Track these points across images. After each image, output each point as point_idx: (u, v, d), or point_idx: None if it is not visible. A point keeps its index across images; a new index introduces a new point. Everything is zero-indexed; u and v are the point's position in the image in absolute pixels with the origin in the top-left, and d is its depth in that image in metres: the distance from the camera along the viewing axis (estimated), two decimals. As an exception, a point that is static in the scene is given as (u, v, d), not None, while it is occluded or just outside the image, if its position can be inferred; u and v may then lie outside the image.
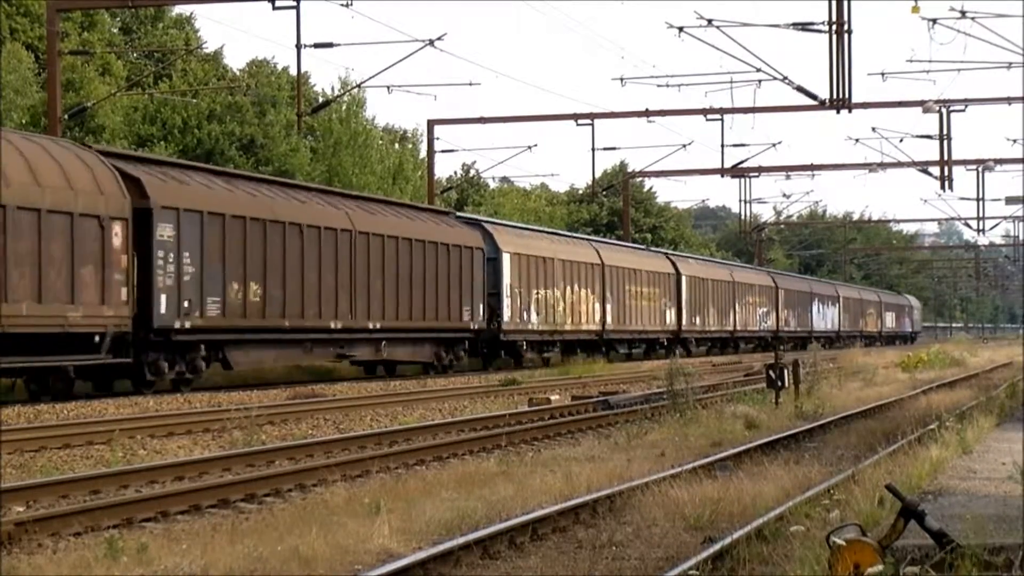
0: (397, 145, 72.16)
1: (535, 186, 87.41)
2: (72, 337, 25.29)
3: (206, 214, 29.19)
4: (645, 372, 39.51)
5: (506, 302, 42.68)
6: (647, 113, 50.78)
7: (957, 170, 59.44)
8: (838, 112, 40.72)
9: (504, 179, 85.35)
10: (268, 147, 58.10)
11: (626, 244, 60.98)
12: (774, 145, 59.66)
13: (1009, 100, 48.37)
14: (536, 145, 71.50)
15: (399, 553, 10.29)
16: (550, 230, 55.37)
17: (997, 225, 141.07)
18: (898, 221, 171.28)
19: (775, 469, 14.86)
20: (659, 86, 47.62)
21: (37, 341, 24.76)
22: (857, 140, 58.15)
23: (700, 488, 13.18)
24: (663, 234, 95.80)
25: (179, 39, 58.08)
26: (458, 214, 44.14)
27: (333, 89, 64.18)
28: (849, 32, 38.41)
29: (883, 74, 46.03)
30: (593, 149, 54.89)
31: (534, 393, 29.71)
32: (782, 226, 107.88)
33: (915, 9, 35.56)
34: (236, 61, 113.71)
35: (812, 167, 64.04)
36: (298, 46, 36.91)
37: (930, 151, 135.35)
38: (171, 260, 27.99)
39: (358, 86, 55.89)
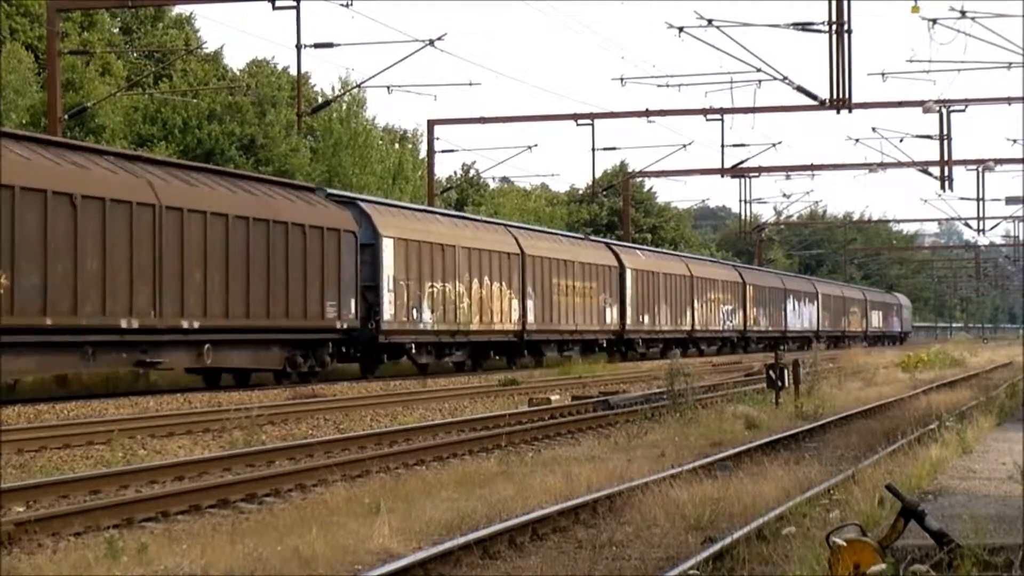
0: (397, 145, 72.17)
1: (535, 186, 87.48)
2: None
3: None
4: (645, 372, 39.52)
5: (387, 297, 35.76)
6: (647, 113, 50.80)
7: (957, 170, 59.56)
8: (838, 112, 40.75)
9: (504, 179, 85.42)
10: (268, 147, 58.12)
11: (558, 232, 54.86)
12: (774, 145, 59.76)
13: (1009, 100, 48.41)
14: (536, 145, 71.60)
15: (399, 553, 10.29)
16: (455, 213, 47.44)
17: (997, 225, 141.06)
18: (898, 221, 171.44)
19: (775, 469, 14.86)
20: (659, 86, 47.70)
21: None
22: (857, 140, 58.24)
23: (700, 488, 13.18)
24: (663, 234, 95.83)
25: (179, 39, 58.09)
26: (330, 191, 37.07)
27: (333, 89, 64.25)
28: (849, 32, 38.44)
29: (883, 74, 46.08)
30: (593, 149, 54.96)
31: (534, 393, 29.72)
32: (782, 226, 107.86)
33: (915, 9, 35.58)
34: (236, 61, 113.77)
35: (812, 167, 64.08)
36: (298, 46, 36.94)
37: (930, 151, 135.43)
38: None
39: (358, 86, 55.96)
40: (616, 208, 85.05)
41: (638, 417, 22.36)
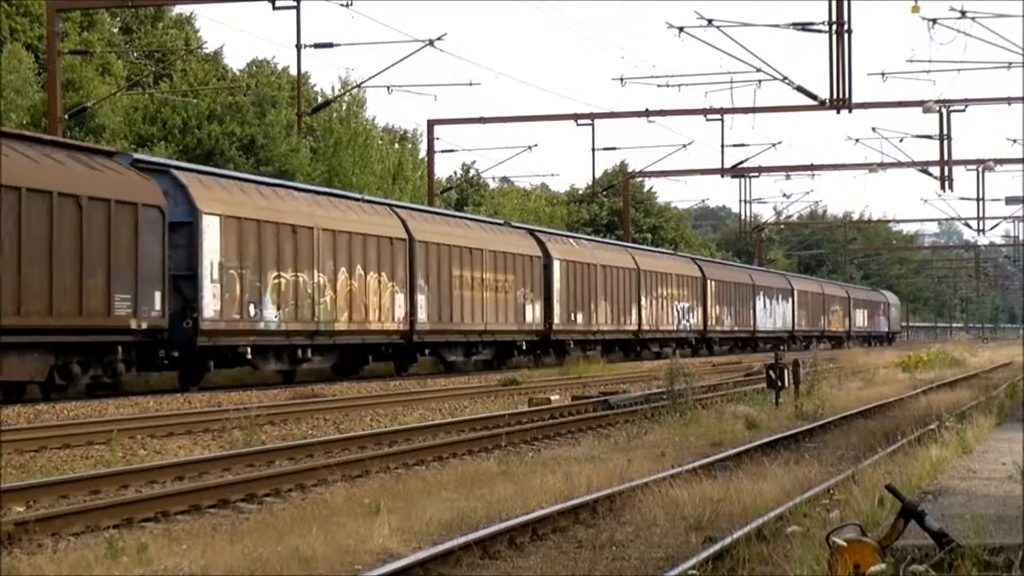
0: (397, 145, 72.19)
1: (535, 186, 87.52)
2: None
3: None
4: (645, 372, 39.53)
5: (210, 289, 29.07)
6: (647, 113, 50.82)
7: (957, 170, 59.52)
8: (838, 112, 40.77)
9: (504, 179, 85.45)
10: (268, 147, 58.13)
11: (466, 216, 47.51)
12: (774, 145, 59.81)
13: (1009, 100, 48.44)
14: (536, 145, 71.66)
15: (399, 553, 10.29)
16: (321, 189, 38.57)
17: (997, 225, 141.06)
18: (898, 221, 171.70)
19: (775, 469, 14.86)
20: (659, 86, 47.72)
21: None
22: (857, 140, 58.27)
23: (700, 488, 13.18)
24: (663, 234, 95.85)
25: (179, 39, 58.10)
26: (138, 156, 30.63)
27: (333, 89, 64.27)
28: (849, 32, 38.45)
29: (883, 74, 46.10)
30: (593, 149, 55.02)
31: (534, 393, 29.72)
32: (782, 226, 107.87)
33: (915, 9, 35.59)
34: (236, 61, 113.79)
35: (812, 167, 64.11)
36: (298, 46, 36.96)
37: (930, 151, 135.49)
38: None
39: (358, 86, 56.02)
40: (616, 208, 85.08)
41: (638, 417, 22.36)
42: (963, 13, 37.58)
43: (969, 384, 34.06)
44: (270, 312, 31.09)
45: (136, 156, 30.79)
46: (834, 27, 38.35)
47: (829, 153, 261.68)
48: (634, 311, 53.56)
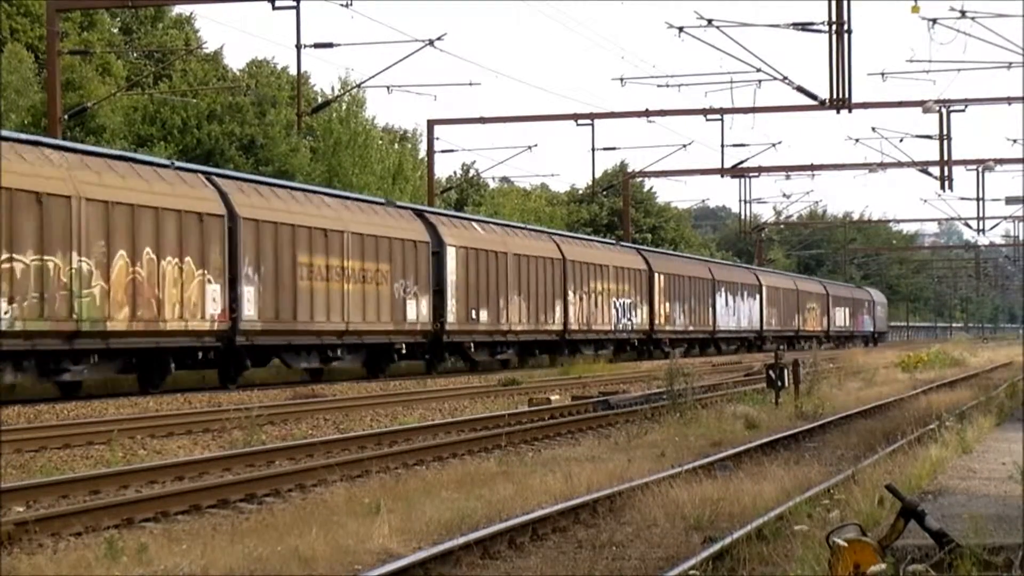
0: (397, 145, 72.18)
1: (535, 186, 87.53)
2: None
3: None
4: (645, 372, 39.52)
5: None
6: (647, 113, 50.83)
7: (957, 170, 59.58)
8: (838, 112, 40.77)
9: (504, 179, 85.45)
10: (268, 147, 58.13)
11: (324, 191, 38.25)
12: (774, 145, 59.81)
13: (1009, 100, 48.43)
14: (536, 145, 71.61)
15: (399, 553, 10.29)
16: (87, 148, 29.82)
17: (997, 225, 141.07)
18: (898, 221, 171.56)
19: (775, 469, 14.86)
20: (659, 86, 47.74)
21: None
22: (857, 140, 58.27)
23: (700, 488, 13.18)
24: (663, 234, 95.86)
25: (179, 39, 58.11)
26: None
27: (333, 89, 64.24)
28: (849, 32, 38.46)
29: (883, 74, 46.11)
30: (593, 149, 54.99)
31: (534, 393, 29.72)
32: (782, 226, 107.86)
33: (915, 9, 35.59)
34: (236, 61, 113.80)
35: (812, 167, 64.12)
36: (298, 46, 36.95)
37: (930, 151, 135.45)
38: None
39: (358, 86, 55.97)
40: (616, 208, 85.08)
41: (638, 417, 22.37)
42: (963, 13, 37.58)
43: (969, 384, 34.05)
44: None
45: None
46: (834, 27, 38.35)
47: (829, 153, 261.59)
48: (559, 308, 46.73)
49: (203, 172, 31.64)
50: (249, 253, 30.88)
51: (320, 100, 58.06)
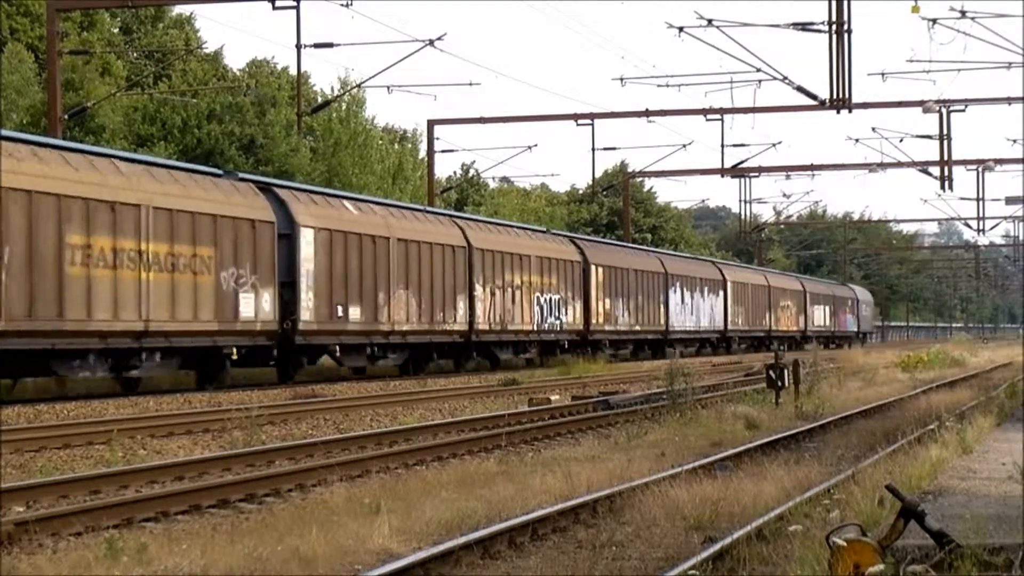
0: (397, 145, 72.18)
1: (535, 186, 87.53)
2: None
3: None
4: (645, 372, 39.52)
5: None
6: (647, 113, 50.84)
7: (957, 170, 59.58)
8: (838, 112, 40.78)
9: (504, 179, 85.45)
10: (268, 147, 58.10)
11: (116, 154, 29.65)
12: (774, 145, 59.87)
13: (1009, 100, 48.43)
14: (536, 145, 71.61)
15: (399, 553, 10.29)
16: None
17: (997, 225, 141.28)
18: (898, 221, 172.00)
19: (775, 469, 14.85)
20: (659, 86, 47.81)
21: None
22: (857, 140, 58.31)
23: (700, 488, 13.18)
24: (663, 234, 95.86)
25: (179, 39, 58.11)
26: None
27: (333, 89, 64.25)
28: (849, 32, 38.47)
29: (883, 74, 46.15)
30: (593, 149, 55.06)
31: (534, 393, 29.72)
32: (782, 226, 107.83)
33: (915, 9, 35.60)
34: (236, 61, 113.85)
35: (812, 167, 64.15)
36: (298, 46, 37.00)
37: (930, 151, 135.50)
38: None
39: (358, 86, 56.00)
40: (616, 208, 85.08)
41: (638, 417, 22.36)
42: (963, 13, 37.59)
43: (969, 384, 34.05)
44: None
45: None
46: (834, 27, 38.36)
47: (829, 153, 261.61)
48: (462, 305, 40.05)
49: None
50: (10, 235, 24.33)
51: (320, 100, 58.08)
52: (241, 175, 33.46)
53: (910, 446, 16.04)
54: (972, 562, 8.14)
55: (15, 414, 22.35)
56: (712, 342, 64.40)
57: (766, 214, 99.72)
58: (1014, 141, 58.36)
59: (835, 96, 39.73)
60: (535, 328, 45.04)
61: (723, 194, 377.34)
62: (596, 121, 52.35)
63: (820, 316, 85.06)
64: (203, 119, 56.53)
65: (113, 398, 26.32)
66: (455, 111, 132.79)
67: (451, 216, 43.25)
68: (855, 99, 40.85)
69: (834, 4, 38.33)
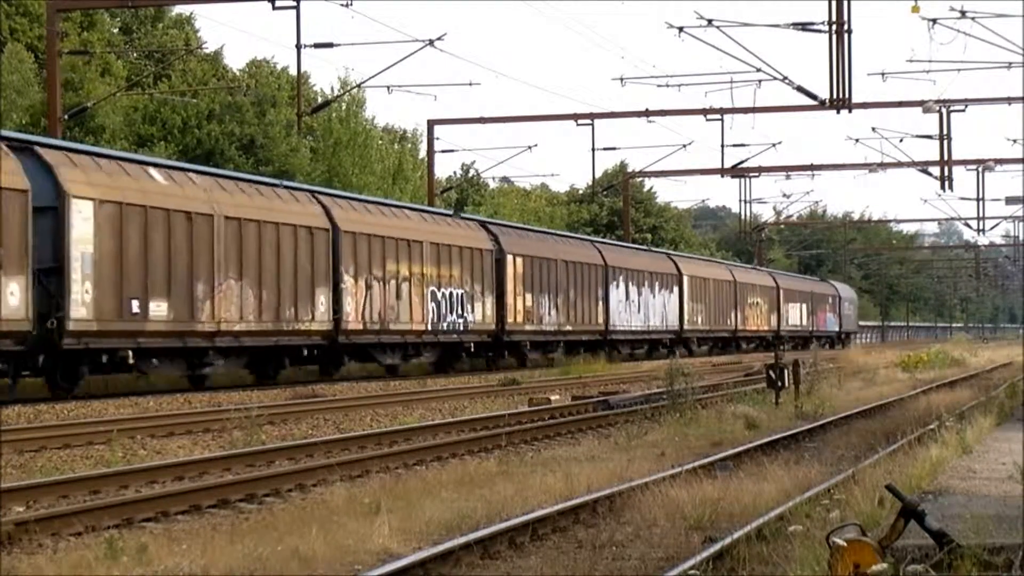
0: (397, 145, 72.18)
1: (535, 186, 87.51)
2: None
3: None
4: (645, 372, 39.51)
5: None
6: (647, 113, 50.82)
7: (957, 170, 59.55)
8: (838, 112, 40.76)
9: (504, 179, 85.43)
10: (268, 147, 58.11)
11: None
12: (774, 145, 59.79)
13: (1009, 100, 48.40)
14: (536, 145, 71.58)
15: (399, 553, 10.29)
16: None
17: (997, 225, 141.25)
18: (898, 221, 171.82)
19: (775, 469, 14.85)
20: (659, 86, 47.73)
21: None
22: (857, 140, 58.19)
23: (700, 488, 13.18)
24: (663, 234, 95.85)
25: (179, 39, 58.10)
26: None
27: (333, 89, 64.23)
28: (849, 32, 38.46)
29: (883, 74, 46.08)
30: (593, 149, 54.97)
31: (534, 393, 29.72)
32: (782, 226, 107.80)
33: (915, 9, 35.60)
34: (236, 61, 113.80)
35: (812, 167, 64.10)
36: (298, 46, 36.95)
37: (930, 151, 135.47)
38: None
39: (358, 86, 55.95)
40: (616, 208, 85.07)
41: (638, 417, 22.36)
42: (963, 13, 37.58)
43: (969, 384, 34.07)
44: None
45: None
46: (834, 27, 38.35)
47: (829, 153, 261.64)
48: (322, 299, 33.28)
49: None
50: None
51: (320, 100, 58.05)
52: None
53: (910, 446, 16.04)
54: (972, 562, 8.14)
55: (15, 414, 22.35)
56: (665, 344, 57.36)
57: (766, 214, 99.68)
58: (1014, 141, 58.36)
59: (835, 96, 39.72)
60: (429, 328, 38.24)
61: (723, 194, 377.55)
62: (596, 121, 52.31)
63: (796, 315, 78.81)
64: (203, 119, 56.54)
65: (113, 398, 26.29)
66: (455, 111, 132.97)
67: (312, 192, 35.53)
68: (855, 99, 40.85)
69: (834, 4, 38.33)
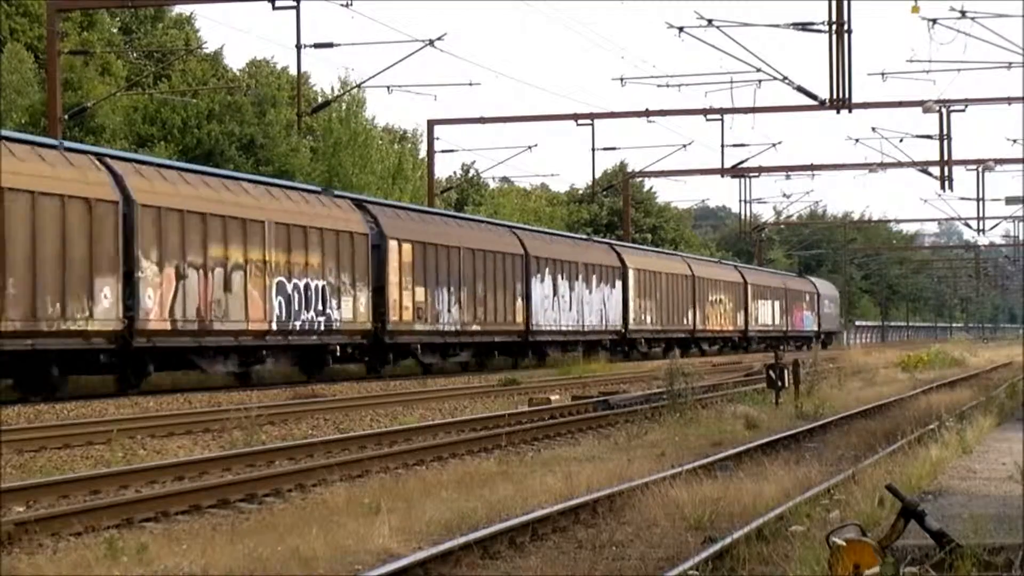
0: (397, 145, 72.18)
1: (535, 186, 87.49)
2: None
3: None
4: (645, 372, 39.50)
5: None
6: (647, 113, 50.81)
7: (957, 170, 59.50)
8: (838, 112, 40.75)
9: (504, 179, 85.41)
10: (268, 147, 58.12)
11: None
12: (774, 145, 59.76)
13: (1009, 100, 48.40)
14: (536, 145, 71.51)
15: (399, 553, 10.29)
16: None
17: (997, 225, 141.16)
18: (898, 221, 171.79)
19: (775, 469, 14.86)
20: (659, 86, 47.70)
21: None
22: (857, 140, 58.15)
23: (700, 488, 13.18)
24: (663, 234, 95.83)
25: (179, 39, 58.10)
26: None
27: (333, 89, 64.22)
28: (849, 32, 38.44)
29: (883, 74, 46.07)
30: (593, 149, 54.94)
31: (534, 393, 29.72)
32: (782, 226, 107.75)
33: (915, 9, 35.58)
34: (236, 61, 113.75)
35: (812, 167, 64.10)
36: (298, 46, 36.93)
37: (930, 151, 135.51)
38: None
39: (358, 86, 55.98)
40: (616, 208, 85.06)
41: (638, 417, 22.36)
42: (963, 13, 37.57)
43: (969, 384, 34.07)
44: None
45: None
46: (834, 27, 38.34)
47: (829, 153, 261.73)
48: (110, 291, 26.82)
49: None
50: None
51: (320, 100, 58.05)
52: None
53: (910, 446, 16.03)
54: (972, 562, 8.14)
55: (15, 414, 22.35)
56: (605, 345, 51.11)
57: (766, 214, 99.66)
58: (1014, 141, 58.32)
59: (835, 96, 39.71)
60: (275, 328, 31.47)
61: (723, 194, 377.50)
62: (596, 121, 52.29)
63: (767, 313, 71.99)
64: (203, 119, 56.54)
65: (113, 398, 26.29)
66: (455, 111, 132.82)
67: (94, 155, 28.41)
68: (855, 99, 40.83)
69: (834, 4, 38.31)
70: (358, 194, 43.84)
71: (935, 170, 54.39)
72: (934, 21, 37.48)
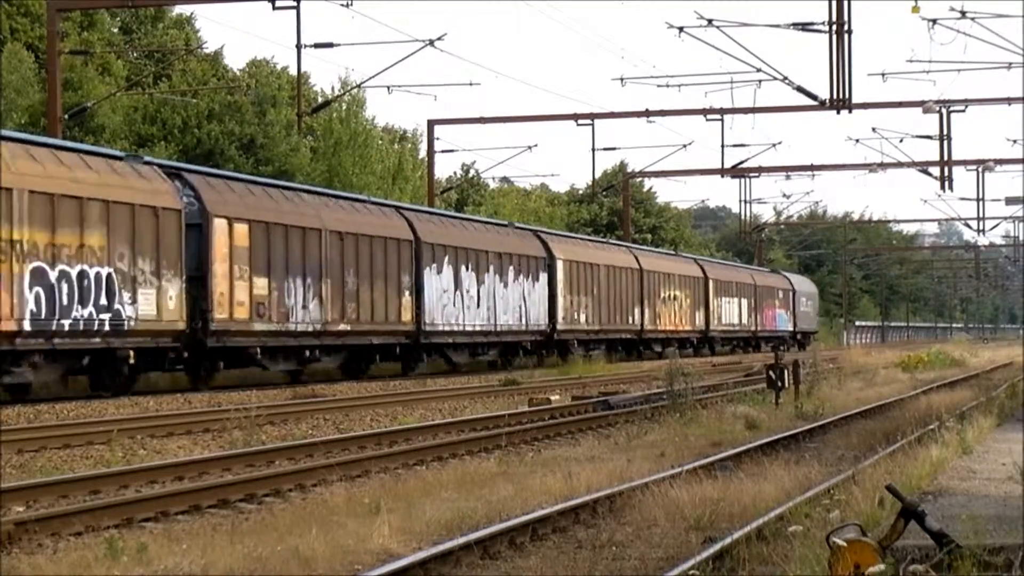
0: (397, 145, 72.17)
1: (535, 186, 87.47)
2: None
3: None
4: (645, 372, 39.50)
5: None
6: (647, 113, 50.81)
7: (957, 170, 59.53)
8: (838, 112, 40.74)
9: (504, 179, 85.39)
10: (268, 147, 58.11)
11: None
12: (774, 145, 59.77)
13: (1009, 100, 48.40)
14: (536, 145, 71.51)
15: (399, 553, 10.29)
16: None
17: (997, 225, 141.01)
18: (898, 221, 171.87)
19: (775, 469, 14.86)
20: (659, 86, 47.71)
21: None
22: (857, 140, 58.17)
23: (700, 488, 13.18)
24: (663, 234, 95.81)
25: (179, 39, 58.09)
26: None
27: (333, 89, 64.23)
28: (849, 32, 38.45)
29: (883, 74, 46.09)
30: (593, 149, 54.96)
31: (534, 393, 29.71)
32: (782, 226, 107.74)
33: (915, 9, 35.58)
34: (236, 61, 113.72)
35: (812, 167, 64.10)
36: (298, 46, 36.94)
37: (930, 151, 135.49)
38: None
39: (358, 86, 55.97)
40: (616, 208, 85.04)
41: (638, 417, 22.36)
42: (963, 13, 37.57)
43: (969, 384, 34.06)
44: None
45: None
46: (834, 27, 38.34)
47: (829, 153, 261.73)
48: None
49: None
50: None
51: (320, 100, 58.05)
52: None
53: (910, 446, 16.04)
54: (972, 562, 8.14)
55: (15, 414, 22.35)
56: (526, 347, 44.64)
57: (766, 214, 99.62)
58: (1014, 141, 58.30)
59: (835, 96, 39.70)
60: (27, 328, 24.50)
61: (723, 194, 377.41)
62: (596, 121, 52.31)
63: (732, 311, 65.55)
64: (203, 119, 56.53)
65: (113, 398, 26.27)
66: (455, 111, 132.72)
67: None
68: (855, 99, 40.82)
69: (834, 4, 38.32)
70: (179, 163, 35.84)
71: (935, 170, 54.40)
72: (934, 21, 37.50)
